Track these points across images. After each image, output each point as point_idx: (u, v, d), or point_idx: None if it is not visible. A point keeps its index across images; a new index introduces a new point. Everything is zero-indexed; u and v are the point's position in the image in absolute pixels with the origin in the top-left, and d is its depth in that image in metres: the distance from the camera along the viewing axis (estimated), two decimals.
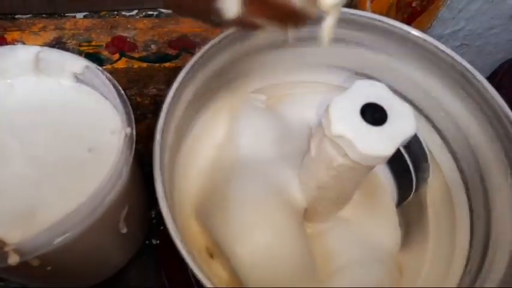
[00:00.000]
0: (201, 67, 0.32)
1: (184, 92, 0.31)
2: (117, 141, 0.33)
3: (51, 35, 0.47)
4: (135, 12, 0.57)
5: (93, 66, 0.35)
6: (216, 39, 0.32)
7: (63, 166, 0.32)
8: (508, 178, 0.31)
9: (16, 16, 0.50)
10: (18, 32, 0.47)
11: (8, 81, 0.35)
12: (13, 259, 0.27)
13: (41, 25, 0.48)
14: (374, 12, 0.48)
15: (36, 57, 0.35)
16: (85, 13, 0.53)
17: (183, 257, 0.24)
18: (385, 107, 0.25)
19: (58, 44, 0.46)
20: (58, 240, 0.28)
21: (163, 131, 0.27)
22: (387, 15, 0.47)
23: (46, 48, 0.35)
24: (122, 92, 0.35)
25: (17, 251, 0.27)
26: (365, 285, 0.34)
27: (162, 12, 0.57)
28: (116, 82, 0.35)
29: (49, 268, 0.32)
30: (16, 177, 0.31)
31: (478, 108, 0.33)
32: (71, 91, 0.37)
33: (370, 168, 0.27)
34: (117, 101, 0.34)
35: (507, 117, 0.30)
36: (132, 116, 0.34)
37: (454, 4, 0.46)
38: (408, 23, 0.48)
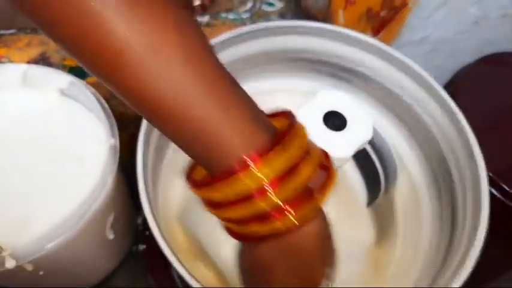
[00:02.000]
0: None
1: None
2: (102, 152, 0.36)
3: (36, 51, 0.50)
4: None
5: (77, 81, 0.39)
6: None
7: (51, 176, 0.35)
8: (468, 170, 0.34)
9: (0, 32, 0.53)
10: (5, 49, 0.49)
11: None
12: (10, 263, 0.30)
13: (26, 41, 0.51)
14: (346, 21, 0.52)
15: (24, 74, 0.38)
16: None
17: (168, 258, 0.27)
18: (345, 115, 0.28)
19: (43, 59, 0.49)
20: (51, 245, 0.31)
21: (145, 141, 0.30)
22: (358, 24, 0.51)
23: (34, 66, 0.38)
24: (106, 105, 0.38)
25: (13, 255, 0.30)
26: (342, 276, 0.38)
27: None
28: (99, 96, 0.38)
29: (41, 273, 0.35)
30: (8, 189, 0.34)
31: (439, 109, 0.37)
32: (56, 105, 0.40)
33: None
34: (101, 113, 0.37)
35: (461, 120, 0.34)
36: (116, 128, 0.37)
37: (421, 13, 0.51)
38: (378, 30, 0.52)
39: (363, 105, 0.33)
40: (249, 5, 0.68)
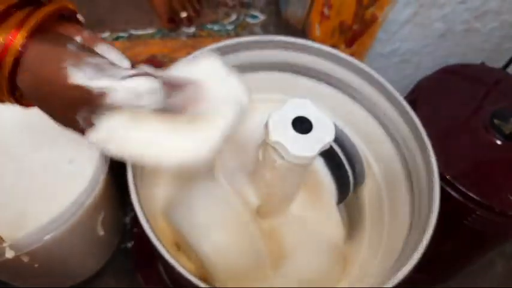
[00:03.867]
0: None
1: None
2: (94, 155, 0.40)
3: None
4: (107, 34, 0.64)
5: None
6: (184, 60, 0.39)
7: (48, 176, 0.38)
8: (425, 173, 0.39)
9: None
10: None
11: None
12: (9, 253, 0.34)
13: None
14: (321, 33, 0.57)
15: None
16: None
17: (158, 250, 0.31)
18: (311, 120, 0.33)
19: None
20: (47, 237, 0.35)
21: None
22: (332, 36, 0.56)
23: None
24: None
25: (12, 246, 0.34)
26: (311, 270, 0.42)
27: (132, 34, 0.65)
28: None
29: (36, 265, 0.39)
30: (7, 186, 0.38)
31: (402, 117, 0.42)
32: None
33: (304, 167, 0.35)
34: None
35: (415, 124, 0.38)
36: None
37: (389, 27, 0.56)
38: (351, 43, 0.57)
39: (327, 112, 0.37)
40: (233, 17, 0.73)
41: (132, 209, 0.56)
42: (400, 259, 0.38)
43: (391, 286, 0.32)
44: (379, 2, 0.50)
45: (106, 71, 0.26)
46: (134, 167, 0.34)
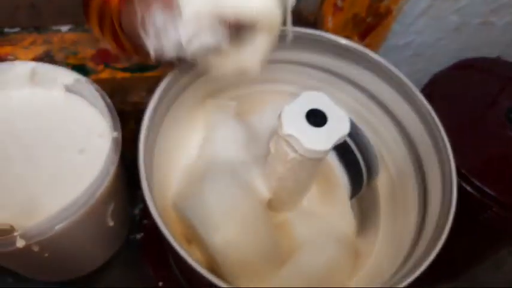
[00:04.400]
0: (181, 76, 0.39)
1: (165, 99, 0.38)
2: (105, 144, 0.40)
3: (40, 49, 0.53)
4: None
5: (82, 78, 0.42)
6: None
7: (59, 166, 0.38)
8: (437, 163, 0.38)
9: (5, 30, 0.56)
10: (10, 47, 0.53)
11: (8, 92, 0.42)
12: (20, 243, 0.34)
13: (30, 40, 0.54)
14: (334, 25, 0.56)
15: (32, 72, 0.42)
16: (70, 26, 0.59)
17: (169, 242, 0.31)
18: (325, 112, 0.32)
19: (47, 57, 0.53)
20: (58, 227, 0.35)
21: (147, 133, 0.34)
22: (344, 28, 0.55)
23: (41, 64, 0.42)
24: (109, 100, 0.42)
25: (23, 235, 0.34)
26: (321, 266, 0.41)
27: None
28: (103, 92, 0.42)
29: (46, 255, 0.39)
30: (18, 176, 0.38)
31: (415, 111, 0.41)
32: (62, 100, 0.43)
33: (318, 161, 0.35)
34: (104, 108, 0.41)
35: (433, 118, 0.38)
36: (118, 122, 0.41)
37: (404, 20, 0.55)
38: (364, 36, 0.56)
39: (341, 104, 0.37)
40: None
41: (141, 202, 0.57)
42: (411, 256, 0.37)
43: (404, 286, 0.32)
44: None
45: None
46: (146, 159, 0.34)
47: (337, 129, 0.32)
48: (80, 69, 0.53)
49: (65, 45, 0.55)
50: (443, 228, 0.33)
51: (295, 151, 0.33)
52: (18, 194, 0.37)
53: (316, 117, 0.32)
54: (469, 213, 0.42)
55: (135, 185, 0.51)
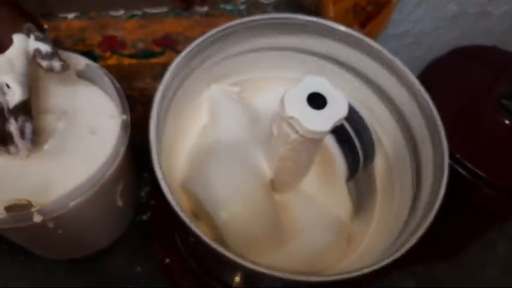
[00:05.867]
0: (187, 62, 0.40)
1: (173, 83, 0.40)
2: (115, 125, 0.42)
3: (50, 36, 0.55)
4: (121, 12, 0.65)
5: (93, 64, 0.44)
6: (199, 39, 0.41)
7: (72, 146, 0.41)
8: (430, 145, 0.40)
9: None
10: None
11: None
12: (37, 218, 0.36)
13: None
14: (335, 14, 0.58)
15: None
16: (76, 13, 0.61)
17: (179, 216, 0.33)
18: (326, 96, 0.35)
19: (56, 43, 0.55)
20: (72, 204, 0.37)
21: (158, 115, 0.36)
22: (345, 17, 0.57)
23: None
24: (118, 85, 0.44)
25: (40, 211, 0.36)
26: (318, 245, 0.44)
27: (146, 12, 0.66)
28: (112, 77, 0.44)
29: (60, 231, 0.41)
30: (33, 155, 0.40)
31: (412, 96, 0.43)
32: (73, 84, 0.45)
33: (317, 141, 0.37)
34: (114, 93, 0.43)
35: (427, 102, 0.40)
36: (127, 105, 0.43)
37: (403, 9, 0.57)
38: (364, 24, 0.58)
39: (341, 89, 0.39)
40: None
41: (148, 184, 0.59)
42: (401, 236, 0.40)
43: (392, 260, 0.34)
44: None
45: None
46: (157, 140, 0.36)
47: (336, 111, 0.34)
48: (88, 55, 0.55)
49: (72, 32, 0.57)
50: (432, 206, 0.35)
51: (296, 132, 0.35)
52: (33, 171, 0.39)
53: (316, 100, 0.34)
54: (461, 194, 0.44)
55: (142, 168, 0.54)
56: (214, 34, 0.41)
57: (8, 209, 0.35)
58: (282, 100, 0.35)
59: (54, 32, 0.56)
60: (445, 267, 0.60)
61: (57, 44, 0.55)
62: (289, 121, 0.35)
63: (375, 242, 0.45)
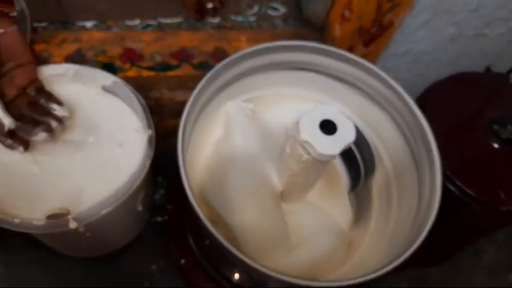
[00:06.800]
0: (212, 81, 0.44)
1: (198, 101, 0.44)
2: (141, 140, 0.46)
3: (72, 47, 0.59)
4: (137, 22, 0.69)
5: (119, 80, 0.48)
6: (226, 60, 0.44)
7: (102, 158, 0.45)
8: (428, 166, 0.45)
9: (33, 24, 0.61)
10: (44, 44, 0.58)
11: (53, 88, 0.48)
12: (73, 224, 0.40)
13: (61, 37, 0.60)
14: (341, 33, 0.62)
15: (75, 73, 0.48)
16: (93, 22, 0.65)
17: (198, 217, 0.37)
18: (336, 122, 0.39)
19: (79, 55, 0.58)
20: (103, 212, 0.41)
21: (185, 129, 0.40)
22: (351, 37, 0.61)
23: (84, 67, 0.48)
24: (143, 101, 0.48)
25: (76, 218, 0.40)
26: (322, 251, 0.49)
27: (161, 23, 0.70)
28: (137, 93, 0.48)
29: (88, 234, 0.45)
30: (68, 166, 0.44)
31: (411, 116, 0.47)
32: (99, 99, 0.49)
33: (326, 162, 0.41)
34: (139, 108, 0.47)
35: (423, 125, 0.44)
36: (151, 120, 0.47)
37: (405, 30, 0.61)
38: (368, 44, 0.62)
39: (349, 116, 0.43)
40: (255, 9, 0.78)
41: (161, 187, 0.63)
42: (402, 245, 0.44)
43: (391, 268, 0.39)
44: (396, 9, 0.55)
45: None
46: (183, 151, 0.40)
47: (345, 137, 0.39)
48: (109, 67, 0.59)
49: (93, 43, 0.60)
50: (427, 221, 0.40)
51: (309, 153, 0.39)
52: (68, 181, 0.43)
53: (328, 126, 0.39)
54: (452, 209, 0.49)
55: (156, 172, 0.58)
56: (238, 57, 0.45)
57: (49, 216, 0.39)
58: (297, 125, 0.39)
59: (76, 44, 0.60)
60: (438, 270, 0.65)
61: (80, 55, 0.59)
62: (303, 144, 0.39)
63: (372, 249, 0.49)
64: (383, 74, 0.47)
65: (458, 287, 0.67)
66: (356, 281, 0.38)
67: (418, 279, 0.65)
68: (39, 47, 0.58)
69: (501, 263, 0.69)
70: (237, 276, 0.52)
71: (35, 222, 0.40)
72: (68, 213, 0.40)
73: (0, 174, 0.43)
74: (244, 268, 0.46)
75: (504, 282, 0.68)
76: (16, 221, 0.40)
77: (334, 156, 0.39)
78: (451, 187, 0.48)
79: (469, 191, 0.47)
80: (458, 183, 0.47)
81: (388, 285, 0.66)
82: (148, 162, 0.44)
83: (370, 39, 0.61)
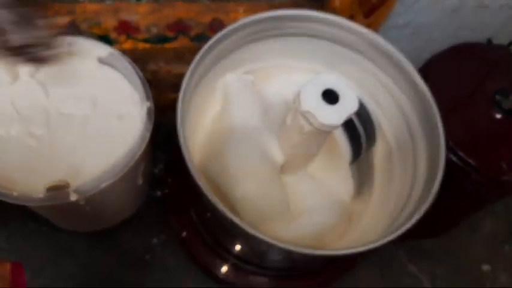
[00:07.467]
0: (209, 52, 0.43)
1: (197, 71, 0.43)
2: (140, 112, 0.45)
3: (66, 19, 0.57)
4: None
5: (115, 52, 0.47)
6: (223, 31, 0.43)
7: (102, 130, 0.44)
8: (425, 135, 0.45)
9: None
10: None
11: None
12: (73, 197, 0.40)
13: (54, 10, 0.58)
14: (341, 4, 0.61)
15: (68, 44, 0.47)
16: None
17: (203, 192, 0.37)
18: (338, 92, 0.38)
19: (73, 26, 0.57)
20: (103, 185, 0.41)
21: (183, 101, 0.39)
22: (350, 7, 0.60)
23: (79, 37, 0.47)
24: (140, 73, 0.47)
25: (76, 191, 0.40)
26: (322, 223, 0.49)
27: None
28: (135, 65, 0.47)
29: (87, 208, 0.45)
30: (68, 139, 0.43)
31: (413, 89, 0.47)
32: (96, 71, 0.48)
33: (328, 133, 0.41)
34: (137, 80, 0.46)
35: (427, 95, 0.44)
36: (150, 92, 0.46)
37: (406, 1, 0.60)
38: (368, 14, 0.61)
39: (352, 85, 0.43)
40: None
41: (160, 161, 0.63)
42: (399, 217, 0.44)
43: (393, 238, 0.39)
44: None
45: None
46: (183, 124, 0.39)
47: (347, 107, 0.38)
48: (104, 39, 0.57)
49: (88, 15, 0.59)
50: (428, 193, 0.40)
51: (311, 124, 0.39)
52: (68, 154, 0.43)
53: (329, 96, 0.38)
54: (453, 180, 0.49)
55: (156, 146, 0.57)
56: (240, 25, 0.44)
57: (49, 188, 0.39)
58: (298, 95, 0.39)
59: (70, 16, 0.58)
60: (435, 241, 0.66)
61: (74, 27, 0.57)
62: (305, 115, 0.38)
63: (373, 221, 0.50)
64: (386, 44, 0.46)
65: (456, 257, 0.68)
66: (357, 250, 0.38)
67: (416, 250, 0.66)
68: None
69: (498, 235, 0.69)
70: (237, 248, 0.52)
71: (34, 195, 0.39)
72: (67, 185, 0.40)
73: None
74: (246, 238, 0.47)
75: (501, 253, 0.69)
76: (15, 193, 0.39)
77: (336, 127, 0.39)
78: (453, 158, 0.48)
79: (471, 161, 0.47)
80: (460, 153, 0.47)
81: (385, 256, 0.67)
82: (148, 135, 0.44)
83: (370, 9, 0.60)
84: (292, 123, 0.42)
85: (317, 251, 0.39)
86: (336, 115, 0.38)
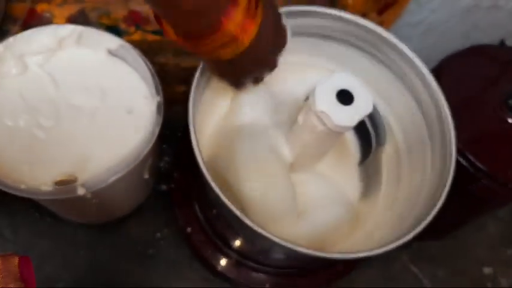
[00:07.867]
0: None
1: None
2: (149, 106, 0.45)
3: (74, 8, 0.56)
4: None
5: (126, 44, 0.46)
6: None
7: (110, 124, 0.44)
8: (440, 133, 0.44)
9: None
10: (46, 4, 0.56)
11: (55, 52, 0.46)
12: (81, 191, 0.39)
13: None
14: (353, 2, 0.60)
15: (79, 35, 0.46)
16: None
17: (212, 187, 0.36)
18: (353, 92, 0.38)
19: (81, 16, 0.56)
20: (111, 179, 0.41)
21: (194, 99, 0.38)
22: (364, 5, 0.59)
23: (89, 28, 0.46)
24: (150, 66, 0.46)
25: (83, 185, 0.39)
26: (329, 222, 0.48)
27: None
28: (145, 59, 0.46)
29: (94, 201, 0.45)
30: (75, 132, 0.43)
31: (426, 88, 0.46)
32: (105, 63, 0.48)
33: (340, 134, 0.40)
34: (147, 73, 0.46)
35: (439, 96, 0.43)
36: (160, 86, 0.45)
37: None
38: (381, 12, 0.60)
39: (366, 86, 0.42)
40: None
41: (166, 155, 0.62)
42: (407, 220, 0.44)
43: (398, 245, 0.38)
44: None
45: None
46: (194, 119, 0.38)
47: (362, 107, 0.38)
48: (113, 29, 0.56)
49: (97, 4, 0.58)
50: (439, 196, 0.40)
51: (324, 124, 0.38)
52: (76, 147, 0.42)
53: (344, 96, 0.37)
54: (461, 184, 0.49)
55: (162, 140, 0.57)
56: None
57: (57, 183, 0.38)
58: (312, 95, 0.38)
59: (79, 4, 0.57)
60: (438, 244, 0.66)
61: (83, 16, 0.56)
62: (319, 115, 0.38)
63: (381, 222, 0.49)
64: (399, 43, 0.46)
65: (457, 259, 0.68)
66: (364, 255, 0.38)
67: (419, 252, 0.66)
68: (41, 7, 0.56)
69: (502, 238, 0.69)
70: (242, 245, 0.52)
71: (42, 188, 0.39)
72: (75, 179, 0.39)
73: (4, 139, 0.42)
74: (252, 236, 0.46)
75: (503, 257, 0.69)
76: (23, 186, 0.39)
77: (349, 128, 0.38)
78: (462, 161, 0.47)
79: (480, 165, 0.46)
80: (469, 156, 0.47)
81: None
82: (157, 130, 0.43)
83: (384, 6, 0.59)
84: (304, 122, 0.41)
85: (326, 253, 0.39)
86: (350, 116, 0.37)
